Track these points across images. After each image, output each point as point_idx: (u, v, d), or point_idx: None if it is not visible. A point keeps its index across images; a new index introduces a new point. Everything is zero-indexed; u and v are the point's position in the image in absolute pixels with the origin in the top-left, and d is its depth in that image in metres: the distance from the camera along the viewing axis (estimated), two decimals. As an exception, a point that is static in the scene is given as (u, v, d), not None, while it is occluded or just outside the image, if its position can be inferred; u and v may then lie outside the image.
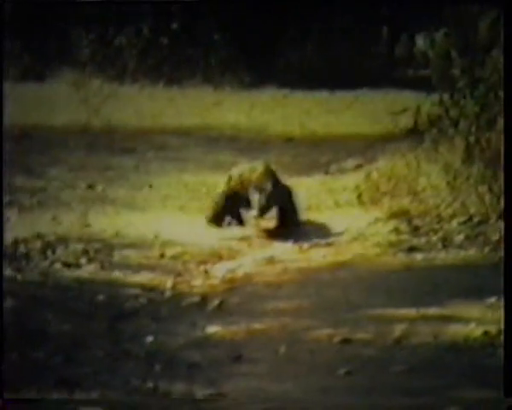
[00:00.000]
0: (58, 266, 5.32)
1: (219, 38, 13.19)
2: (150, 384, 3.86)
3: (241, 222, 6.27)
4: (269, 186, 6.07)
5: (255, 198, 6.03)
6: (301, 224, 6.22)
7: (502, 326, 4.28)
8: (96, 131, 9.10)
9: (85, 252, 5.60)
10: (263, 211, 6.05)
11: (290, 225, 6.15)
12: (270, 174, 6.22)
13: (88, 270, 5.33)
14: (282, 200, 6.17)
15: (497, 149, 6.34)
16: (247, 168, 6.29)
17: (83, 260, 5.47)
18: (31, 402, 3.74)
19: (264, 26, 13.38)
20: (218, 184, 6.38)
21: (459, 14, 6.83)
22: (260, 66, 12.88)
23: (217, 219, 6.24)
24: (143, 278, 5.23)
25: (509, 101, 4.46)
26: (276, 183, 6.19)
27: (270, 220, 6.21)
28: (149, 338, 4.35)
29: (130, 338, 4.37)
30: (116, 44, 12.81)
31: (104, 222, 6.25)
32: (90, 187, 7.23)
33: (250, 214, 6.10)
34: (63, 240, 5.74)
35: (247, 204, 6.11)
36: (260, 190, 6.04)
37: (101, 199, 6.89)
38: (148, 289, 5.06)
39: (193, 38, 13.11)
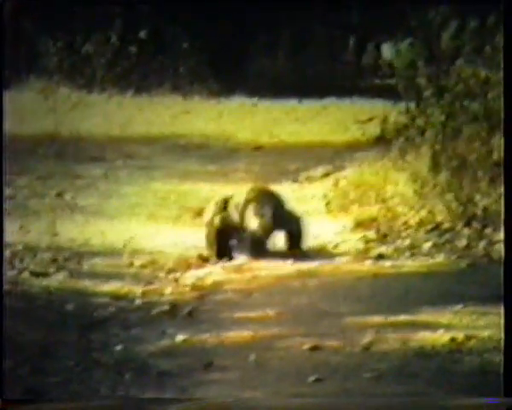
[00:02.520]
0: (26, 275, 5.30)
1: (188, 46, 13.21)
2: (120, 393, 3.86)
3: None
4: (269, 211, 5.61)
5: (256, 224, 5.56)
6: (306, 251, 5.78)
7: (472, 332, 4.34)
8: (65, 140, 9.07)
9: (54, 261, 5.59)
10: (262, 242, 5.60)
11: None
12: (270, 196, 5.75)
13: (57, 279, 5.31)
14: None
15: (463, 157, 6.42)
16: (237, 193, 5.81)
17: (51, 269, 5.45)
18: (31, 403, 3.74)
19: (233, 35, 13.42)
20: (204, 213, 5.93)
21: (423, 24, 6.91)
22: (229, 74, 12.91)
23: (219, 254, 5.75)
24: (113, 286, 5.23)
25: (509, 101, 4.50)
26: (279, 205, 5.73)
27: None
28: (119, 347, 4.35)
29: (99, 347, 4.36)
30: (84, 53, 12.78)
31: (73, 231, 6.23)
32: (59, 196, 7.21)
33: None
34: (31, 249, 5.71)
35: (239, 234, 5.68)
36: (261, 215, 5.59)
37: (69, 207, 6.87)
38: (117, 297, 5.05)
39: (161, 46, 13.12)
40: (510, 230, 4.26)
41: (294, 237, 5.74)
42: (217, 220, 5.74)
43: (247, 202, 5.67)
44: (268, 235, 5.67)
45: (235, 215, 5.70)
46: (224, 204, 5.78)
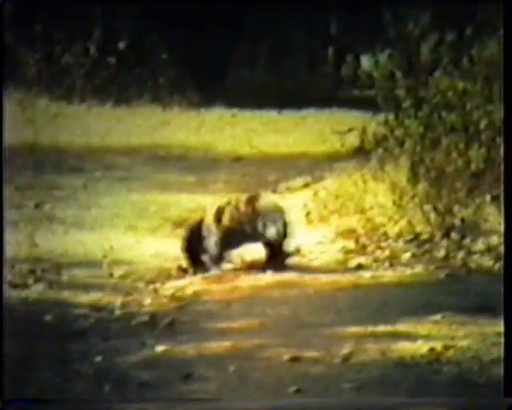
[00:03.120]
0: (5, 286, 5.27)
1: (167, 57, 13.21)
2: (100, 404, 3.85)
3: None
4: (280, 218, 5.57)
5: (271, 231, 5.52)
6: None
7: (451, 342, 4.36)
8: (44, 151, 9.04)
9: (33, 272, 5.56)
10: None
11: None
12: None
13: (35, 290, 5.29)
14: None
15: (442, 168, 6.45)
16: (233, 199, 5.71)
17: (30, 281, 5.42)
18: (31, 403, 3.72)
19: (212, 46, 13.44)
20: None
21: (402, 35, 6.96)
22: (208, 85, 12.92)
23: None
24: (92, 297, 5.21)
25: (508, 102, 4.53)
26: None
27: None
28: (98, 358, 4.33)
29: (78, 358, 4.34)
30: (63, 63, 12.75)
31: (52, 241, 6.20)
32: (38, 206, 7.18)
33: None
34: (10, 260, 5.68)
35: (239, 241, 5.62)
36: (273, 221, 5.55)
37: (48, 218, 6.84)
38: (96, 308, 5.04)
39: (141, 57, 13.11)
40: (510, 236, 4.28)
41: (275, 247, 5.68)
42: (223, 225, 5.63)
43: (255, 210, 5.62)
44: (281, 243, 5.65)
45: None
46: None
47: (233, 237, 5.63)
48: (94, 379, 4.10)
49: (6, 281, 5.34)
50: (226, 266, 5.71)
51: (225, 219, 5.64)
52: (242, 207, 5.65)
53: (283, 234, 5.62)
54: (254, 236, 5.63)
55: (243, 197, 5.72)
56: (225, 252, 5.68)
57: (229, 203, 5.69)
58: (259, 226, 5.61)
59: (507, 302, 4.12)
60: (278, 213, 5.67)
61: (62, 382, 4.07)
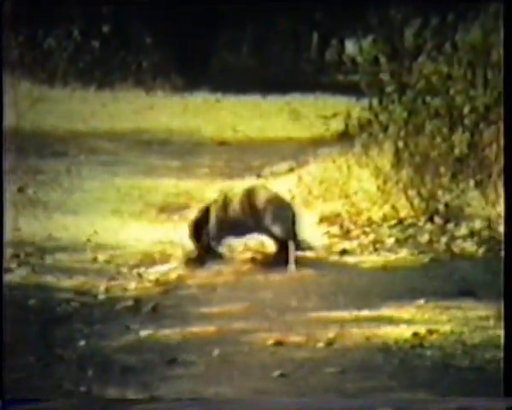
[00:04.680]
0: (-11, 270, 5.25)
1: (151, 41, 13.16)
2: (83, 389, 3.85)
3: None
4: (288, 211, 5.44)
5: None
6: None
7: (434, 326, 4.38)
8: (26, 135, 8.99)
9: (16, 256, 5.54)
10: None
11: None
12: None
13: (19, 274, 5.27)
14: None
15: (425, 153, 6.47)
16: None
17: (13, 265, 5.40)
18: (31, 403, 3.71)
19: (196, 30, 13.39)
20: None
21: (385, 21, 6.96)
22: (192, 69, 12.89)
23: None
24: (76, 281, 5.20)
25: (509, 102, 4.53)
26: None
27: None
28: (82, 342, 4.33)
29: (62, 343, 4.33)
30: (46, 47, 12.67)
31: (35, 226, 6.18)
32: (21, 191, 7.14)
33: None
34: (-7, 244, 5.66)
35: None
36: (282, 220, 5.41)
37: (32, 203, 6.81)
38: (80, 292, 5.02)
39: (124, 41, 13.05)
40: (510, 229, 4.29)
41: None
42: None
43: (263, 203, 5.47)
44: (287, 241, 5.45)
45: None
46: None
47: (237, 225, 5.53)
48: (77, 364, 4.09)
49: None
50: (228, 251, 5.62)
51: (231, 209, 5.58)
52: (249, 200, 5.53)
53: (292, 233, 5.48)
54: (260, 229, 5.51)
55: (251, 188, 5.63)
56: (227, 237, 5.59)
57: (235, 194, 5.58)
58: (267, 220, 5.48)
59: (507, 303, 4.14)
60: (287, 210, 5.54)
61: (45, 366, 4.06)
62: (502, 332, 4.27)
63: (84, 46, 12.79)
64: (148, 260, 5.66)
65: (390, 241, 5.86)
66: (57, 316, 4.67)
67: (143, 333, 4.44)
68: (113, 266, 5.54)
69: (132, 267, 5.51)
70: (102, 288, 5.12)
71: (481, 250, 5.62)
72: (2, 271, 4.85)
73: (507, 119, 4.61)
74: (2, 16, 6.84)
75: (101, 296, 5.00)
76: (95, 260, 5.62)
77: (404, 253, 5.63)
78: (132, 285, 5.19)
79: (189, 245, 5.62)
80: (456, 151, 6.38)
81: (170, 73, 12.74)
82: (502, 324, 4.39)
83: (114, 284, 5.21)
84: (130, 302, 4.90)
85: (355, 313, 4.60)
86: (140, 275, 5.39)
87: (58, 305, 4.81)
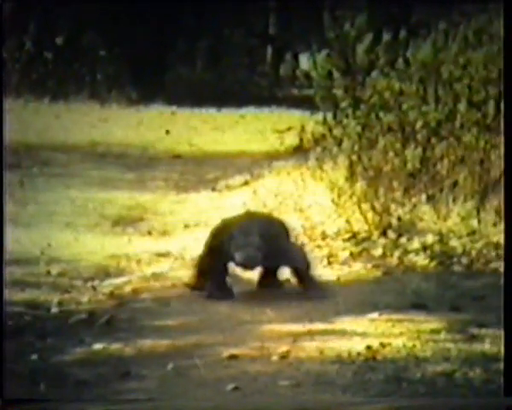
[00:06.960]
0: None
1: (106, 53, 13.12)
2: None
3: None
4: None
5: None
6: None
7: (387, 339, 4.42)
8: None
9: (-33, 269, 5.48)
10: None
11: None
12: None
13: (-29, 287, 5.21)
14: None
15: (379, 167, 6.53)
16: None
17: (-35, 278, 5.34)
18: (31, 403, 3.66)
19: (151, 43, 13.39)
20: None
21: (339, 36, 7.02)
22: (147, 82, 12.87)
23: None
24: (29, 295, 5.16)
25: (509, 104, 4.56)
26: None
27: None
28: (34, 356, 4.29)
29: (14, 357, 4.29)
30: (-2, 58, 12.56)
31: (-13, 239, 6.11)
32: (-27, 203, 7.07)
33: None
34: None
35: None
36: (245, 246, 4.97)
37: (-16, 215, 6.74)
38: (33, 306, 4.98)
39: (78, 53, 13.00)
40: (509, 238, 4.32)
41: (301, 271, 5.16)
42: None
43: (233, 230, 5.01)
44: (252, 269, 5.12)
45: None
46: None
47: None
48: (29, 378, 4.05)
49: None
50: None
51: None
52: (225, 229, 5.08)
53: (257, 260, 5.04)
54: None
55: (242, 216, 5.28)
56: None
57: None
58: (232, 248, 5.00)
59: (507, 303, 4.18)
60: (251, 236, 5.04)
61: (-3, 381, 4.02)
62: (452, 345, 4.34)
63: (38, 58, 12.72)
64: (103, 273, 5.64)
65: (344, 254, 5.90)
66: (9, 330, 4.62)
67: (97, 346, 4.42)
68: (66, 279, 5.50)
69: (86, 280, 5.49)
70: (56, 301, 5.08)
71: (433, 264, 5.69)
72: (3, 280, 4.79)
73: (506, 129, 4.64)
74: (2, 17, 6.77)
75: (55, 310, 4.97)
76: (48, 273, 5.58)
77: (357, 266, 5.68)
78: (86, 298, 5.16)
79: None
80: (409, 166, 6.46)
81: (125, 86, 12.72)
82: (453, 337, 4.45)
83: (68, 297, 5.18)
84: (83, 315, 4.87)
85: (308, 326, 4.63)
86: (94, 288, 5.37)
87: (10, 319, 4.77)
